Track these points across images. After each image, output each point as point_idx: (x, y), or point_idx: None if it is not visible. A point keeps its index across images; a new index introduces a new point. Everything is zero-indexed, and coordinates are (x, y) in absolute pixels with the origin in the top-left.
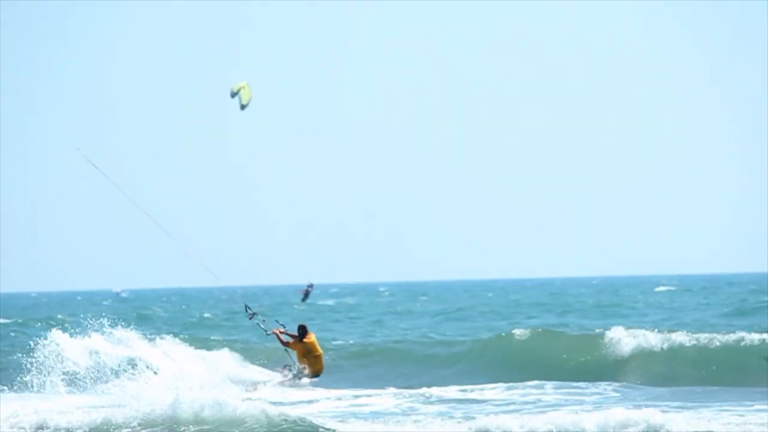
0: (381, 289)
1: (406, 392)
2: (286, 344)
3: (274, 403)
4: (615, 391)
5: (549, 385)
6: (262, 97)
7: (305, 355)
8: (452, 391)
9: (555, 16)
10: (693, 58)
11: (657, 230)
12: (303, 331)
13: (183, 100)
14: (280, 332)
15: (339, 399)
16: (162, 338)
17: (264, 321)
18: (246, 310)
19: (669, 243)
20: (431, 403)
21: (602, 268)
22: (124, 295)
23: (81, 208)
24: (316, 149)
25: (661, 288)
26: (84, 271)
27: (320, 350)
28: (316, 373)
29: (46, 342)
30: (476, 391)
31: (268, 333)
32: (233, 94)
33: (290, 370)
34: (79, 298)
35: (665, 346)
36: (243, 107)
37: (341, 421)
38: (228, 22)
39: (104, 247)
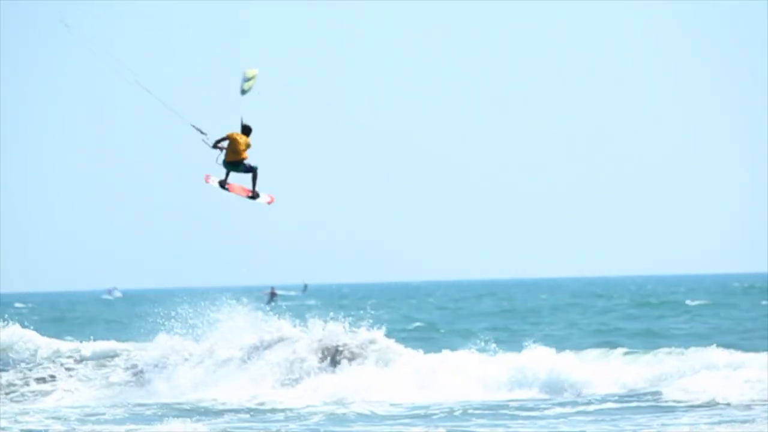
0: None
1: None
2: (220, 141)
3: None
4: None
5: None
6: (260, 95)
7: (230, 151)
8: None
9: (555, 17)
10: (693, 59)
11: (657, 230)
12: (246, 129)
13: (182, 99)
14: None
15: None
16: None
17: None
18: (195, 128)
19: (669, 243)
20: None
21: (602, 269)
22: (117, 294)
23: (71, 207)
24: (312, 149)
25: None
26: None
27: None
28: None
29: None
30: None
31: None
32: (246, 79)
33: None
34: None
35: None
36: (243, 92)
37: None
38: (227, 21)
39: (89, 245)
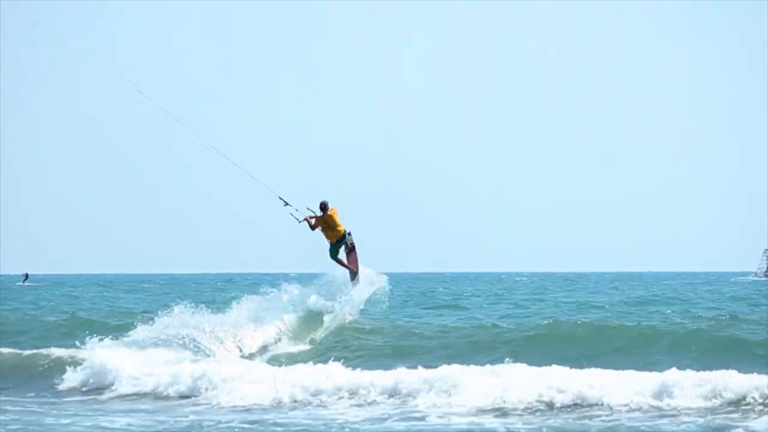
0: None
1: None
2: (313, 227)
3: None
4: None
5: None
6: (260, 95)
7: (327, 230)
8: None
9: (562, 18)
10: (691, 60)
11: (656, 230)
12: (323, 206)
13: (182, 96)
14: (309, 218)
15: None
16: None
17: (297, 210)
18: (281, 199)
19: (669, 243)
20: None
21: (602, 266)
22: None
23: None
24: (317, 145)
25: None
26: None
27: (339, 222)
28: (336, 241)
29: None
30: None
31: (300, 221)
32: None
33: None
34: None
35: None
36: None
37: None
38: (228, 20)
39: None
